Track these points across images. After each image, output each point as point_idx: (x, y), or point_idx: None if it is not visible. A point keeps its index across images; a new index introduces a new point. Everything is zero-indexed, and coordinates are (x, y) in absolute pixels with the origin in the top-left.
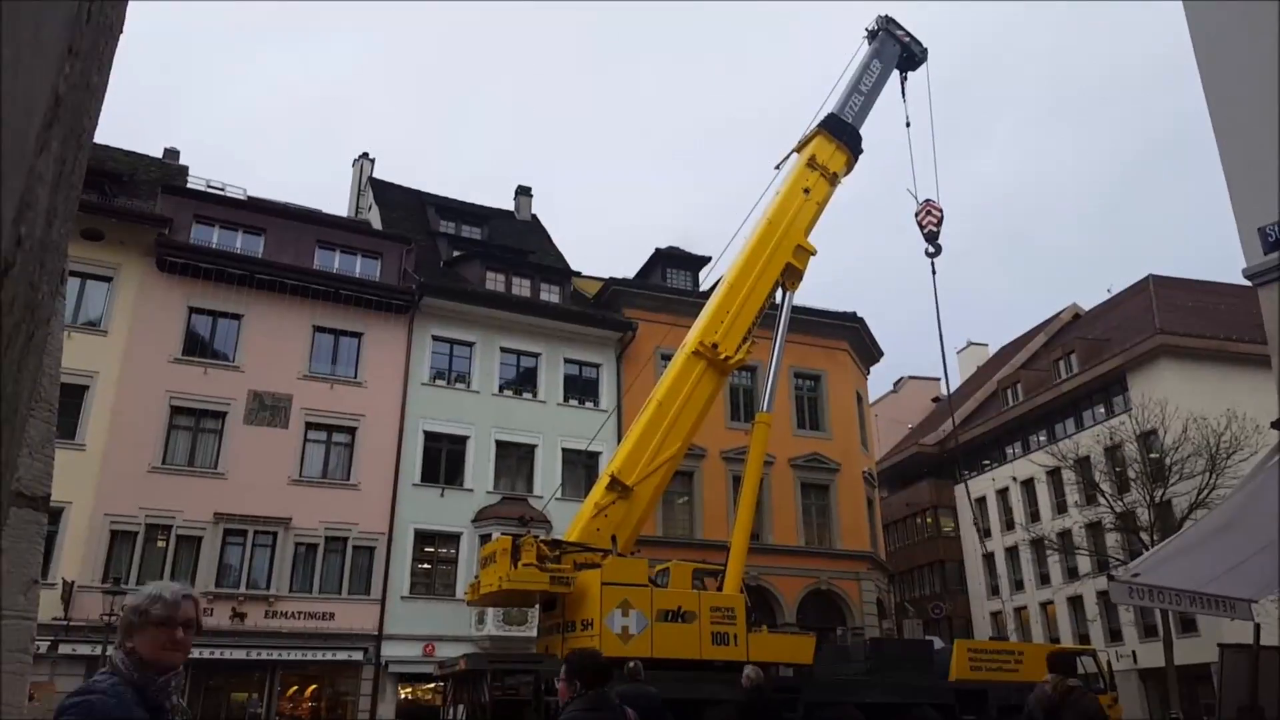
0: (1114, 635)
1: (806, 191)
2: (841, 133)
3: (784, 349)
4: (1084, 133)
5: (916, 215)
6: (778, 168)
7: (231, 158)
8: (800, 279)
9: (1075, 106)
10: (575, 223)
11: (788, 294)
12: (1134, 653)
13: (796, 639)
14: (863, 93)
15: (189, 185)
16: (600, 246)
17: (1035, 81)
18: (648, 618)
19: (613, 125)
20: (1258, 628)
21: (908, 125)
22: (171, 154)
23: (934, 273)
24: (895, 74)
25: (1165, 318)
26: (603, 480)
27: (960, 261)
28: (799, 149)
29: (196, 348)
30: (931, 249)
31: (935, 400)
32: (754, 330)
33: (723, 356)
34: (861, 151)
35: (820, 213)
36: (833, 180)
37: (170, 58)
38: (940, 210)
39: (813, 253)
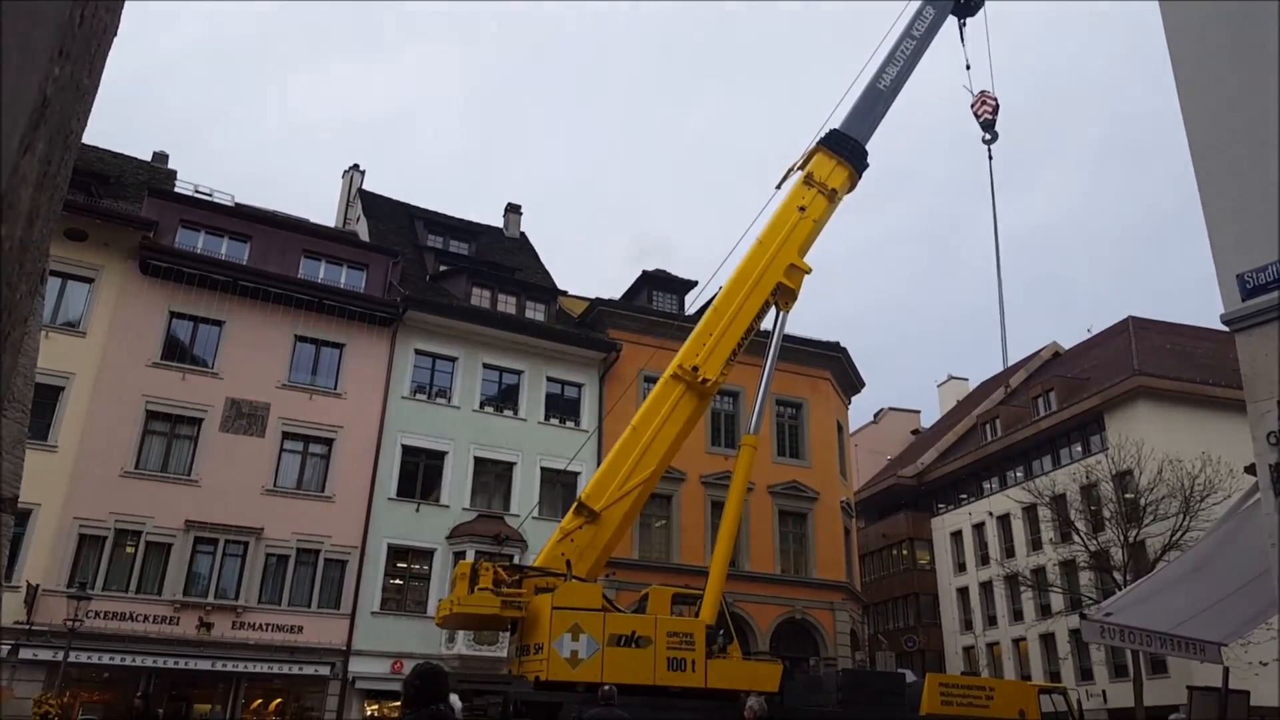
0: (1085, 674)
1: (802, 209)
2: (842, 148)
3: (774, 369)
4: (1063, 181)
5: (972, 106)
6: (778, 187)
7: (244, 168)
8: (794, 298)
9: (1072, 160)
10: (565, 239)
11: (781, 313)
12: (1104, 692)
13: (760, 666)
14: (915, 37)
15: (176, 189)
16: (587, 266)
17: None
18: (599, 642)
19: (608, 138)
20: (1226, 671)
21: (968, 68)
22: (160, 157)
23: (990, 158)
24: (934, 41)
25: (1144, 359)
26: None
27: (946, 296)
28: (800, 167)
29: (176, 353)
30: (987, 135)
31: (914, 432)
32: (739, 353)
33: (701, 379)
34: (867, 166)
35: (818, 230)
36: (831, 197)
37: (174, 73)
38: (995, 99)
39: (807, 271)
